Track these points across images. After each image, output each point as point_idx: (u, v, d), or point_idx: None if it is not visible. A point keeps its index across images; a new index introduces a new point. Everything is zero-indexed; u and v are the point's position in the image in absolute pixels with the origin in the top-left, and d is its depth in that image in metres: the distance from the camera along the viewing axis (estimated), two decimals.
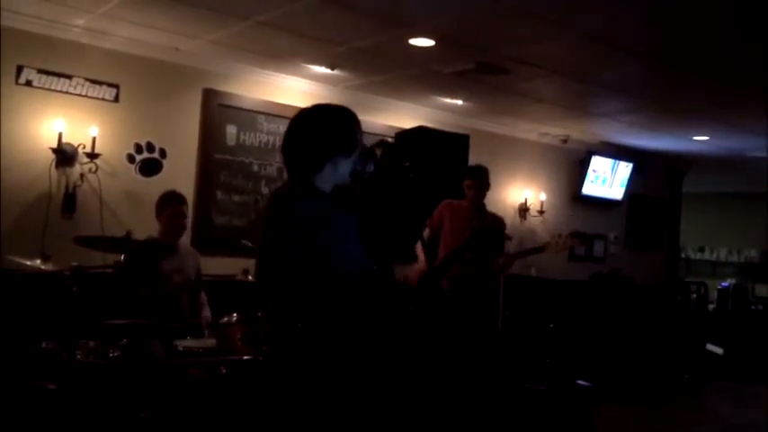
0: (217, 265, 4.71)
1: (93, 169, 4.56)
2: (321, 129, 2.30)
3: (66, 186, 4.49)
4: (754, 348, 8.30)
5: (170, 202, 4.01)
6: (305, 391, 2.22)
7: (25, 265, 3.32)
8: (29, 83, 4.38)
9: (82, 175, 4.54)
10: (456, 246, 4.31)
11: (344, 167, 2.33)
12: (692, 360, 8.06)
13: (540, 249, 4.58)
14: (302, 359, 2.22)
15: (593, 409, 4.11)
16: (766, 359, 7.86)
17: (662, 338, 7.43)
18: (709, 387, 7.72)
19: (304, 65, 5.16)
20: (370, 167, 2.44)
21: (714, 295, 10.27)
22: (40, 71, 4.42)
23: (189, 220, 4.24)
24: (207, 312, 4.18)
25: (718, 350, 8.73)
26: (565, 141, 7.46)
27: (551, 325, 4.39)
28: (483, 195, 4.56)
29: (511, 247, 5.07)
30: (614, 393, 6.06)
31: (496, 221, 4.62)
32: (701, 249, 11.36)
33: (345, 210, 2.34)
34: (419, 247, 4.30)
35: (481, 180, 4.52)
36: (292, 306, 2.21)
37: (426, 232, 4.50)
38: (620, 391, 6.21)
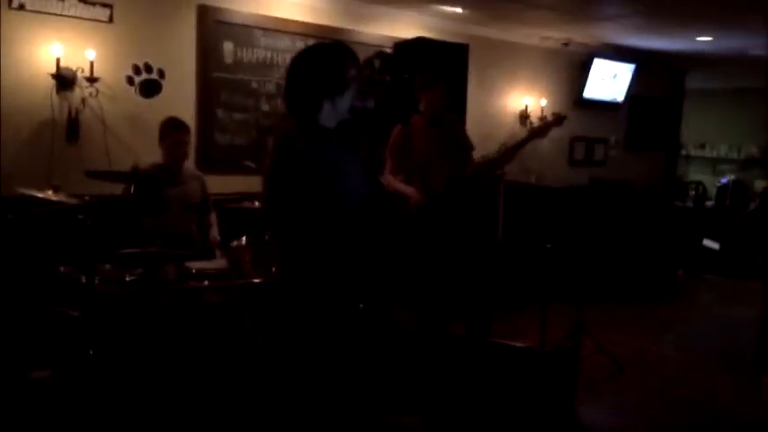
0: (220, 184, 4.80)
1: (94, 93, 4.56)
2: (313, 70, 2.37)
3: (69, 112, 4.50)
4: (750, 243, 8.50)
5: (171, 130, 4.07)
6: (311, 313, 2.38)
7: (36, 197, 3.40)
8: (22, 6, 4.31)
9: (83, 100, 4.55)
10: (435, 164, 4.21)
11: (342, 104, 2.41)
12: (687, 256, 8.29)
13: (526, 140, 4.36)
14: (308, 285, 2.36)
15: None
16: (762, 253, 8.06)
17: (659, 237, 7.62)
18: (703, 283, 7.99)
19: None
20: (370, 104, 2.52)
21: (714, 192, 10.42)
22: None
23: (192, 146, 4.30)
24: (215, 233, 4.33)
25: (715, 245, 8.94)
26: (566, 45, 7.36)
27: (548, 245, 4.47)
28: (439, 105, 4.30)
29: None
30: (608, 293, 6.30)
31: (454, 121, 4.47)
32: (702, 146, 11.37)
33: (349, 144, 2.44)
34: (389, 178, 4.19)
35: (437, 92, 4.26)
36: (299, 242, 2.35)
37: (390, 163, 4.26)
38: (615, 290, 6.45)
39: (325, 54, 2.42)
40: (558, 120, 4.54)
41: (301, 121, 2.36)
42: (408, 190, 4.18)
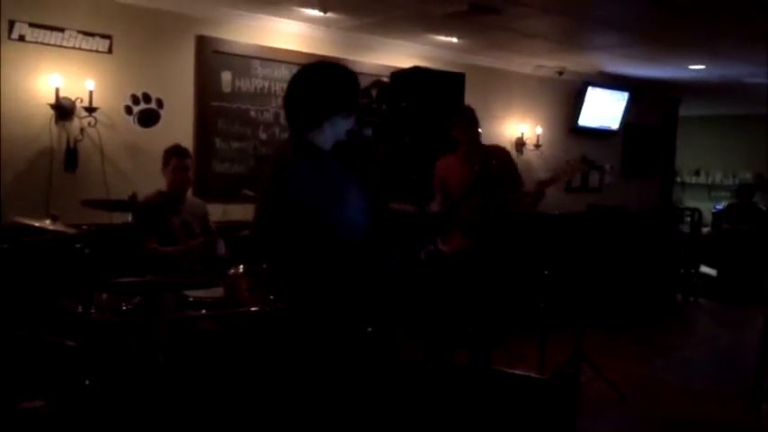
0: (218, 213, 4.82)
1: (93, 123, 4.60)
2: (322, 86, 2.30)
3: (68, 142, 4.53)
4: (746, 269, 8.50)
5: (172, 156, 4.10)
6: (315, 339, 2.31)
7: (34, 226, 3.40)
8: (22, 38, 4.36)
9: (82, 130, 4.58)
10: (468, 199, 4.18)
11: (342, 127, 2.34)
12: (684, 282, 8.28)
13: (550, 182, 4.37)
14: (311, 311, 2.29)
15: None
16: (758, 280, 8.06)
17: (655, 263, 7.62)
18: (701, 308, 7.97)
19: (296, 8, 5.11)
20: (368, 132, 2.50)
21: (709, 218, 10.45)
22: (32, 25, 4.38)
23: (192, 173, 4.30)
24: (222, 249, 4.31)
25: (712, 272, 8.94)
26: (561, 73, 7.44)
27: (546, 272, 4.48)
28: (474, 138, 4.36)
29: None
30: (606, 319, 6.29)
31: (495, 154, 4.41)
32: (697, 173, 11.44)
33: (347, 166, 2.34)
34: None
35: (467, 126, 4.31)
36: (290, 272, 2.24)
37: (437, 198, 4.37)
38: (613, 316, 6.43)
39: (336, 72, 2.36)
40: (584, 166, 4.49)
41: (295, 139, 2.30)
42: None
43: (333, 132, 2.32)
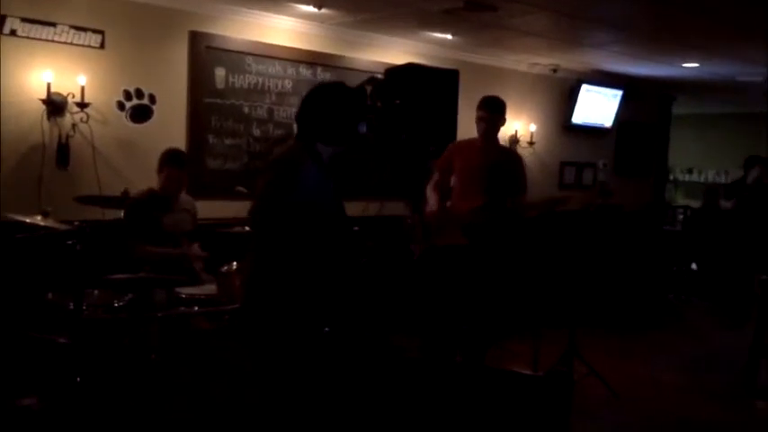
0: (211, 209, 4.80)
1: (85, 119, 4.56)
2: (346, 111, 2.58)
3: (59, 137, 4.50)
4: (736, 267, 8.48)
5: (165, 164, 4.08)
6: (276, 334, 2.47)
7: (25, 222, 3.37)
8: (13, 32, 4.31)
9: (74, 126, 4.54)
10: (469, 186, 4.26)
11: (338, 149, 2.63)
12: (677, 280, 8.30)
13: (562, 202, 4.42)
14: (275, 307, 2.46)
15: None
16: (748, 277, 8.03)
17: (648, 261, 7.64)
18: (693, 307, 7.98)
19: (290, 4, 5.08)
20: (363, 129, 2.57)
21: None
22: (24, 20, 4.34)
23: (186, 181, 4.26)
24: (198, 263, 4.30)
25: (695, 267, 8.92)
26: (555, 71, 7.44)
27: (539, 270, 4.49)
28: (495, 130, 4.37)
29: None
30: (599, 317, 6.29)
31: (510, 158, 4.44)
32: (690, 171, 11.47)
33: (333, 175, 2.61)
34: (430, 189, 4.33)
35: (495, 114, 4.32)
36: (275, 257, 2.46)
37: (435, 176, 4.41)
38: (606, 314, 6.44)
39: (354, 97, 2.66)
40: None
41: (307, 145, 2.53)
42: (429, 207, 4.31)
43: (331, 150, 2.60)
